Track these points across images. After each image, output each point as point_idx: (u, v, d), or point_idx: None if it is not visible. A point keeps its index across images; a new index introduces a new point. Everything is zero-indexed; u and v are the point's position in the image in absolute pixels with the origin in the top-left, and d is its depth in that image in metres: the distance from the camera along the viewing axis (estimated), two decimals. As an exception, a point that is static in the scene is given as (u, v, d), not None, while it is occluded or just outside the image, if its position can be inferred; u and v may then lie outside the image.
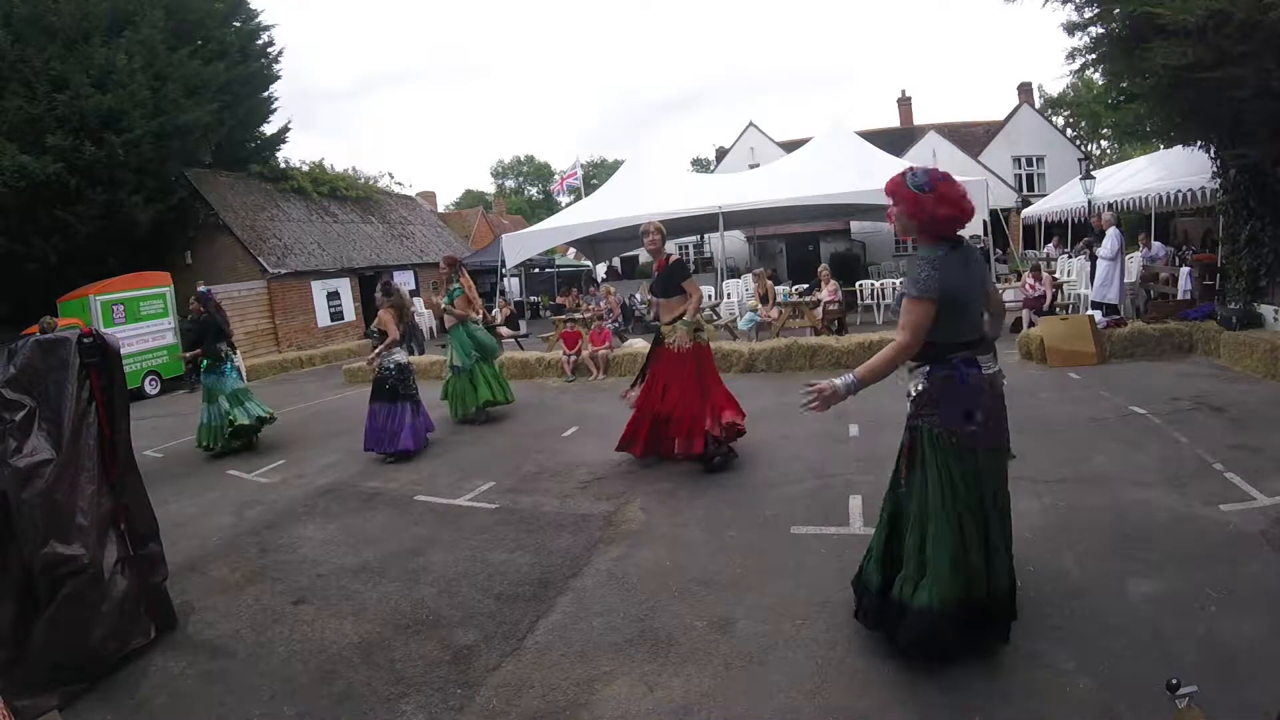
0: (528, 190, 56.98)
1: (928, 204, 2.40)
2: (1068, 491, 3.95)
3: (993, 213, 13.05)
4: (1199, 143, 8.01)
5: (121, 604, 3.10)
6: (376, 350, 6.20)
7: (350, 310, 18.38)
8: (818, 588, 3.16)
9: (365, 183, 22.54)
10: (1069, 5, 7.38)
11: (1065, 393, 6.31)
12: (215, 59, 16.81)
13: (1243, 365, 6.50)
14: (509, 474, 5.42)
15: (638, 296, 14.32)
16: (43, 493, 2.93)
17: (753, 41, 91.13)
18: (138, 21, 14.71)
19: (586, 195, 18.15)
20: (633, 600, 3.24)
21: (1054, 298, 10.21)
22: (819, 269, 11.80)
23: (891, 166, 12.78)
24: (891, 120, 26.55)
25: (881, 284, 13.45)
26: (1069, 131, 28.31)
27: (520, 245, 14.37)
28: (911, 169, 2.54)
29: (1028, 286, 10.21)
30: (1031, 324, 9.11)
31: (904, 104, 26.41)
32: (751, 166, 21.29)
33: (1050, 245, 16.59)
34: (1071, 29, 7.47)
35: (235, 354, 7.90)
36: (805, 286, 13.55)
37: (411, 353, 9.71)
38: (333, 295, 18.15)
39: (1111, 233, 8.64)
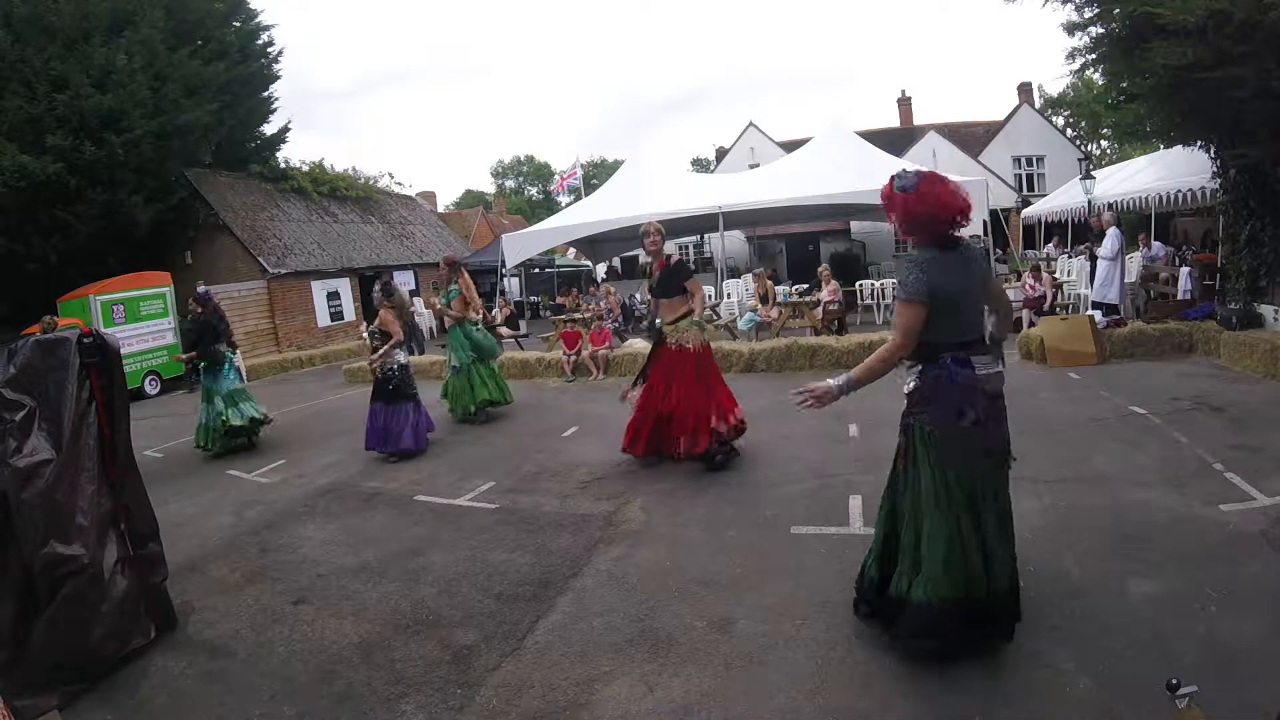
0: (528, 190, 56.98)
1: (910, 203, 2.43)
2: (1068, 491, 3.95)
3: (993, 213, 13.04)
4: (1199, 143, 8.01)
5: (121, 604, 3.10)
6: (381, 351, 6.17)
7: (350, 310, 18.38)
8: (818, 588, 3.16)
9: (365, 183, 22.55)
10: (1069, 5, 7.39)
11: (1065, 393, 6.31)
12: (215, 59, 16.81)
13: (1243, 365, 6.50)
14: (509, 474, 5.42)
15: (638, 296, 14.31)
16: (43, 493, 2.93)
17: (753, 41, 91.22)
18: (138, 21, 14.72)
19: (586, 195, 18.15)
20: (633, 600, 3.24)
21: (1054, 298, 10.21)
22: (819, 269, 11.80)
23: (891, 166, 12.77)
24: (891, 120, 26.57)
25: (881, 284, 13.45)
26: (1069, 131, 28.31)
27: (520, 245, 14.37)
28: (902, 171, 2.55)
29: (1028, 287, 10.21)
30: (1031, 324, 9.11)
31: (904, 104, 26.41)
32: (751, 166, 21.29)
33: (1050, 245, 16.58)
34: (1071, 29, 7.48)
35: (235, 354, 7.90)
36: (805, 286, 13.56)
37: (411, 353, 9.72)
38: (333, 295, 18.15)
39: (1112, 233, 8.64)
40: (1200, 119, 7.28)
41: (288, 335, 16.69)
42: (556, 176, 29.63)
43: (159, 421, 9.65)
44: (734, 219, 13.87)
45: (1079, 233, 14.66)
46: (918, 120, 25.92)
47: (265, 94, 19.87)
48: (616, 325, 11.83)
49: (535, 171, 57.21)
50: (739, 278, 14.81)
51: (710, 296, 12.39)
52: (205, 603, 3.68)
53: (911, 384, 2.55)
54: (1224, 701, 2.02)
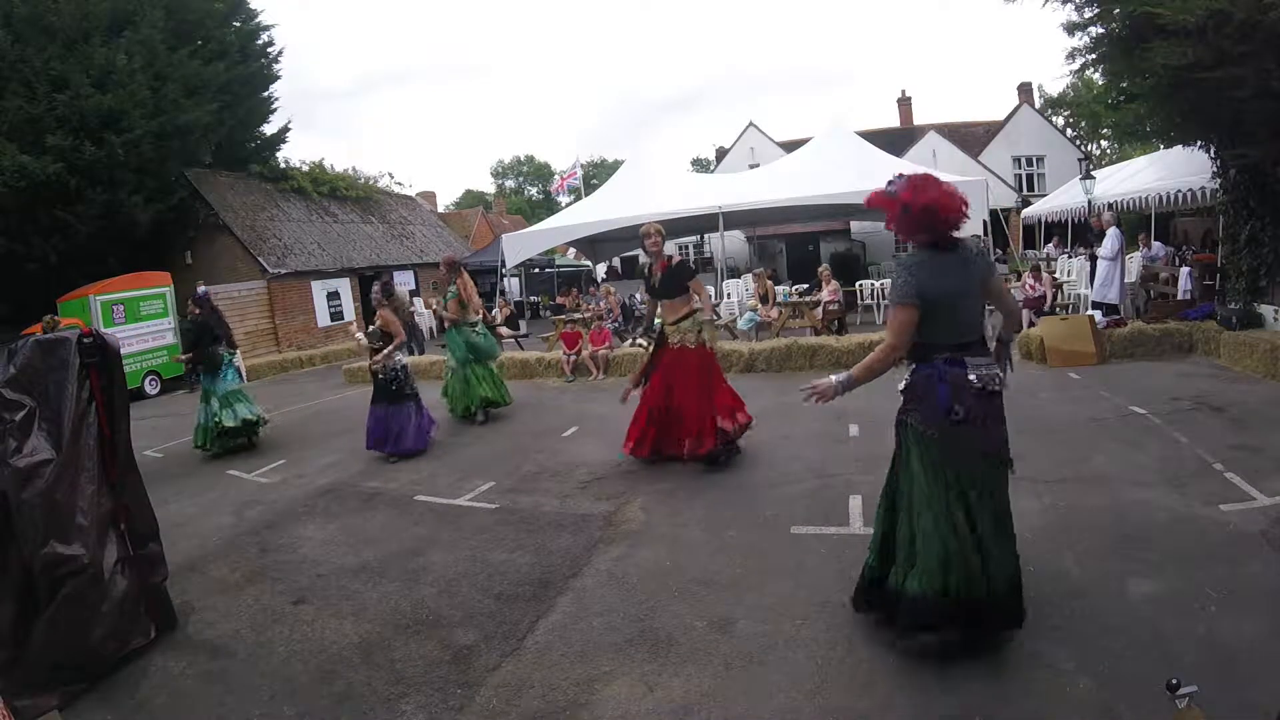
0: (528, 190, 56.97)
1: (892, 205, 2.50)
2: (1068, 491, 3.95)
3: (993, 213, 13.06)
4: (1199, 143, 8.01)
5: (121, 604, 3.10)
6: (385, 352, 6.13)
7: (350, 310, 18.37)
8: (818, 588, 3.16)
9: (365, 183, 22.54)
10: (1069, 5, 7.39)
11: (1065, 393, 6.31)
12: (215, 59, 16.81)
13: (1243, 365, 6.50)
14: (509, 474, 5.42)
15: (637, 297, 14.31)
16: (43, 493, 2.93)
17: (753, 41, 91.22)
18: (138, 21, 14.72)
19: (586, 195, 18.15)
20: (633, 600, 3.24)
21: (1054, 298, 10.21)
22: (820, 269, 11.80)
23: (891, 166, 12.78)
24: (891, 120, 26.59)
25: (882, 284, 13.44)
26: (1069, 131, 28.32)
27: (520, 245, 14.37)
28: (894, 176, 2.57)
29: (1028, 287, 10.21)
30: (1031, 324, 9.11)
31: (904, 104, 26.43)
32: (751, 166, 21.30)
33: (1050, 245, 16.58)
34: (1071, 29, 7.48)
35: (235, 354, 7.89)
36: (805, 286, 13.56)
37: (411, 353, 9.73)
38: (333, 295, 18.15)
39: (1112, 233, 8.64)
40: (1200, 119, 7.28)
41: (288, 335, 16.69)
42: (556, 176, 29.61)
43: (159, 421, 9.65)
44: (734, 219, 13.87)
45: (1079, 233, 14.66)
46: (918, 120, 25.94)
47: (265, 94, 19.87)
48: (616, 325, 11.82)
49: (535, 171, 57.20)
50: (739, 278, 14.81)
51: (710, 296, 12.39)
52: (205, 603, 3.68)
53: (904, 382, 2.62)
54: (1224, 701, 2.02)
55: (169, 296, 13.41)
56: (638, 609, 3.16)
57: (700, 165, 43.33)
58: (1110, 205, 11.62)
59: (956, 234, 2.62)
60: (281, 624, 3.37)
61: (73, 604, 2.93)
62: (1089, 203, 11.74)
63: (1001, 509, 2.55)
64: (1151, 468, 4.21)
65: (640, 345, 5.63)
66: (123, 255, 14.51)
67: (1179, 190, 9.99)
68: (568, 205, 20.49)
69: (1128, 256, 9.63)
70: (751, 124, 26.02)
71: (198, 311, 7.26)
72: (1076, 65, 7.83)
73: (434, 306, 7.57)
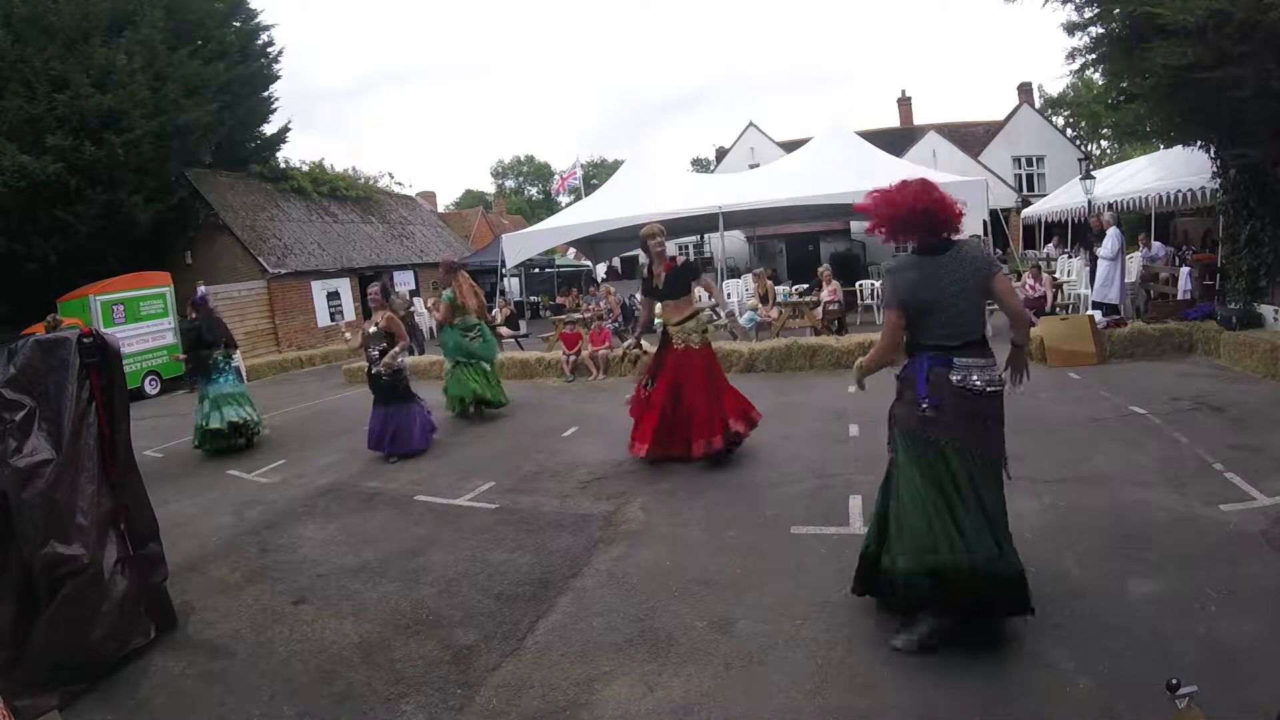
0: (528, 190, 56.96)
1: (876, 209, 2.65)
2: (1068, 491, 3.95)
3: (993, 213, 13.05)
4: (1199, 143, 8.01)
5: (121, 604, 3.10)
6: (394, 352, 6.15)
7: (350, 310, 18.37)
8: (818, 588, 3.16)
9: (365, 183, 22.54)
10: (1069, 5, 7.39)
11: (1065, 393, 6.31)
12: (215, 59, 16.80)
13: (1243, 365, 6.50)
14: (509, 474, 5.42)
15: (637, 297, 14.32)
16: (43, 493, 2.93)
17: (753, 41, 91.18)
18: (138, 21, 14.71)
19: (586, 195, 18.15)
20: (633, 600, 3.24)
21: (1054, 298, 10.21)
22: (820, 269, 11.80)
23: (891, 166, 12.79)
24: (891, 120, 26.58)
25: (881, 284, 13.42)
26: (1069, 131, 28.32)
27: (520, 245, 14.37)
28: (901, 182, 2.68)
29: (1028, 287, 10.21)
30: (1031, 324, 9.11)
31: (904, 104, 26.42)
32: (751, 166, 21.29)
33: (1050, 245, 16.59)
34: (1071, 29, 7.48)
35: (235, 355, 7.88)
36: (805, 286, 13.55)
37: (411, 353, 9.74)
38: (333, 295, 18.15)
39: (1112, 232, 8.65)
40: (1200, 119, 7.28)
41: (288, 335, 16.69)
42: (556, 176, 29.61)
43: (159, 421, 9.65)
44: (734, 219, 13.86)
45: (1079, 233, 14.65)
46: (918, 120, 25.93)
47: (265, 94, 19.87)
48: (616, 325, 11.82)
49: (535, 171, 57.19)
50: (739, 278, 14.81)
51: (710, 296, 12.40)
52: (205, 603, 3.68)
53: (895, 374, 2.77)
54: (1224, 701, 2.02)
55: (169, 296, 13.40)
56: (638, 609, 3.16)
57: (700, 165, 43.33)
58: (1110, 205, 11.62)
59: (953, 235, 2.65)
60: (281, 624, 3.37)
61: (73, 604, 2.93)
62: (1089, 203, 11.73)
63: (987, 500, 2.56)
64: (1151, 468, 4.21)
65: (639, 351, 5.61)
66: (123, 255, 14.51)
67: (1179, 190, 10.00)
68: (568, 205, 20.49)
69: (1128, 256, 9.63)
70: (751, 124, 26.01)
71: (194, 315, 7.26)
72: (1076, 65, 7.85)
73: (429, 306, 7.63)
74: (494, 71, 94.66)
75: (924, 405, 2.57)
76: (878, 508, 2.82)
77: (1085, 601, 2.79)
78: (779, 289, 12.64)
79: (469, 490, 5.11)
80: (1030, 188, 22.94)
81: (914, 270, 2.61)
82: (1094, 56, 7.60)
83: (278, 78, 19.95)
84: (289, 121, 31.75)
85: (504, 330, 11.93)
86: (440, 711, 2.58)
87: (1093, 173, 12.83)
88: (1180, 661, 2.32)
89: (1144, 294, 10.63)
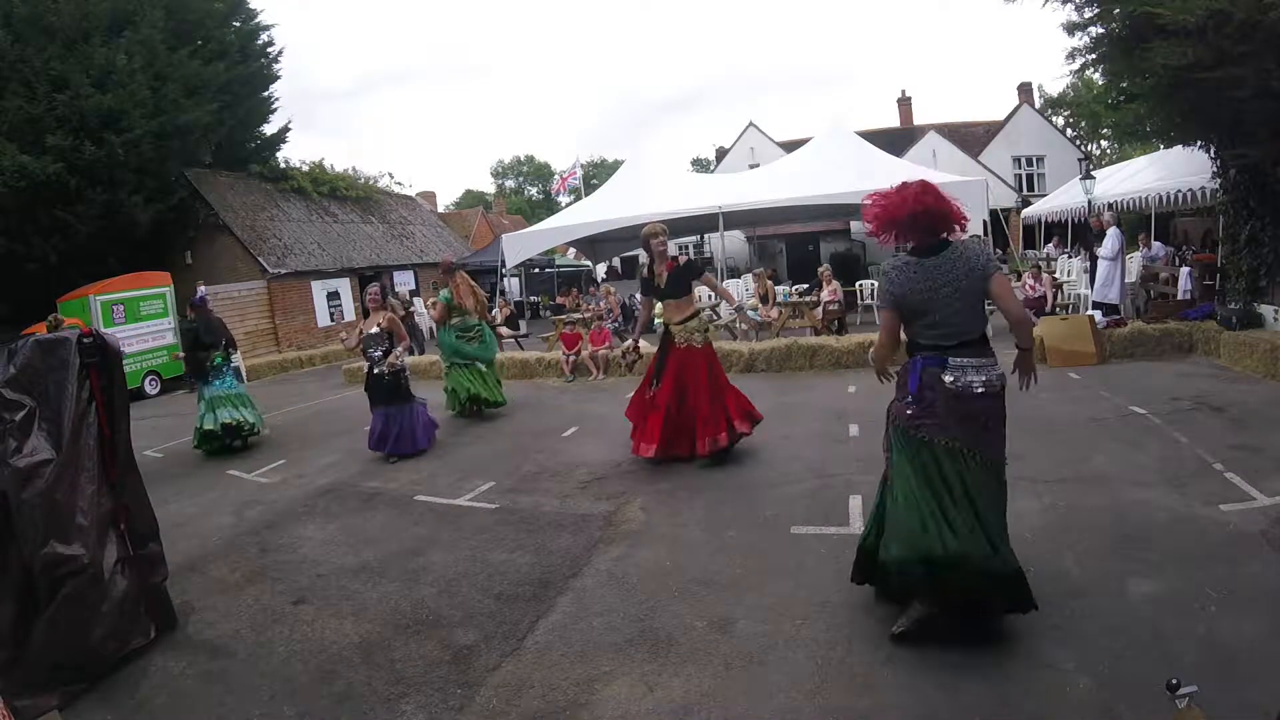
0: (528, 190, 56.96)
1: (871, 213, 2.73)
2: (1068, 491, 3.95)
3: (993, 213, 13.04)
4: (1199, 143, 8.01)
5: (121, 604, 3.10)
6: (398, 352, 6.21)
7: (350, 310, 18.38)
8: (818, 588, 3.16)
9: (365, 183, 22.55)
10: (1069, 5, 7.40)
11: (1065, 393, 6.31)
12: (215, 59, 16.81)
13: (1243, 365, 6.51)
14: (509, 474, 5.42)
15: (637, 297, 14.32)
16: (43, 493, 2.93)
17: (753, 41, 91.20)
18: (138, 21, 14.72)
19: (586, 195, 18.15)
20: (633, 600, 3.24)
21: (1054, 298, 10.21)
22: (820, 269, 11.80)
23: (891, 166, 12.79)
24: (891, 120, 26.59)
25: (877, 284, 13.42)
26: (1069, 131, 28.33)
27: (520, 245, 14.37)
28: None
29: (1028, 287, 10.21)
30: (1031, 324, 9.11)
31: (904, 104, 26.43)
32: (751, 166, 21.29)
33: (1050, 245, 16.59)
34: (1071, 29, 7.48)
35: (235, 355, 7.88)
36: (805, 286, 13.55)
37: (411, 353, 9.76)
38: (333, 295, 18.16)
39: (1112, 232, 8.65)
40: (1200, 119, 7.28)
41: (288, 335, 16.69)
42: (556, 176, 29.62)
43: (159, 421, 9.65)
44: (734, 219, 13.86)
45: (1079, 233, 14.65)
46: (918, 120, 25.94)
47: (265, 94, 19.88)
48: (616, 325, 11.82)
49: (535, 171, 57.19)
50: (739, 278, 14.81)
51: (710, 296, 12.41)
52: (205, 603, 3.68)
53: (895, 372, 2.84)
54: (1224, 701, 2.02)
55: (169, 296, 13.40)
56: (638, 609, 3.16)
57: (700, 165, 43.33)
58: (1110, 205, 11.62)
59: (952, 235, 2.65)
60: (281, 624, 3.37)
61: (73, 604, 2.93)
62: (1089, 203, 11.74)
63: (981, 500, 2.57)
64: (1151, 468, 4.21)
65: (636, 356, 5.62)
66: (123, 255, 14.51)
67: (1179, 190, 10.00)
68: (568, 205, 20.49)
69: (1128, 256, 9.63)
70: (751, 124, 26.02)
71: (191, 315, 7.26)
72: (1076, 65, 7.85)
73: (429, 306, 7.71)
74: (494, 71, 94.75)
75: (910, 404, 2.64)
76: (876, 500, 2.88)
77: (1085, 601, 2.79)
78: (779, 289, 12.64)
79: (469, 490, 5.11)
80: (1030, 188, 22.95)
81: (906, 271, 2.64)
82: (1094, 56, 7.60)
83: (278, 78, 19.99)
84: (289, 121, 31.84)
85: (504, 330, 11.95)
86: (440, 711, 2.58)
87: (1093, 173, 12.83)
88: (1180, 661, 2.32)
89: (1144, 294, 10.63)
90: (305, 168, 20.63)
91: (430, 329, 17.12)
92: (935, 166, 17.99)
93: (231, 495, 5.67)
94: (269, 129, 20.76)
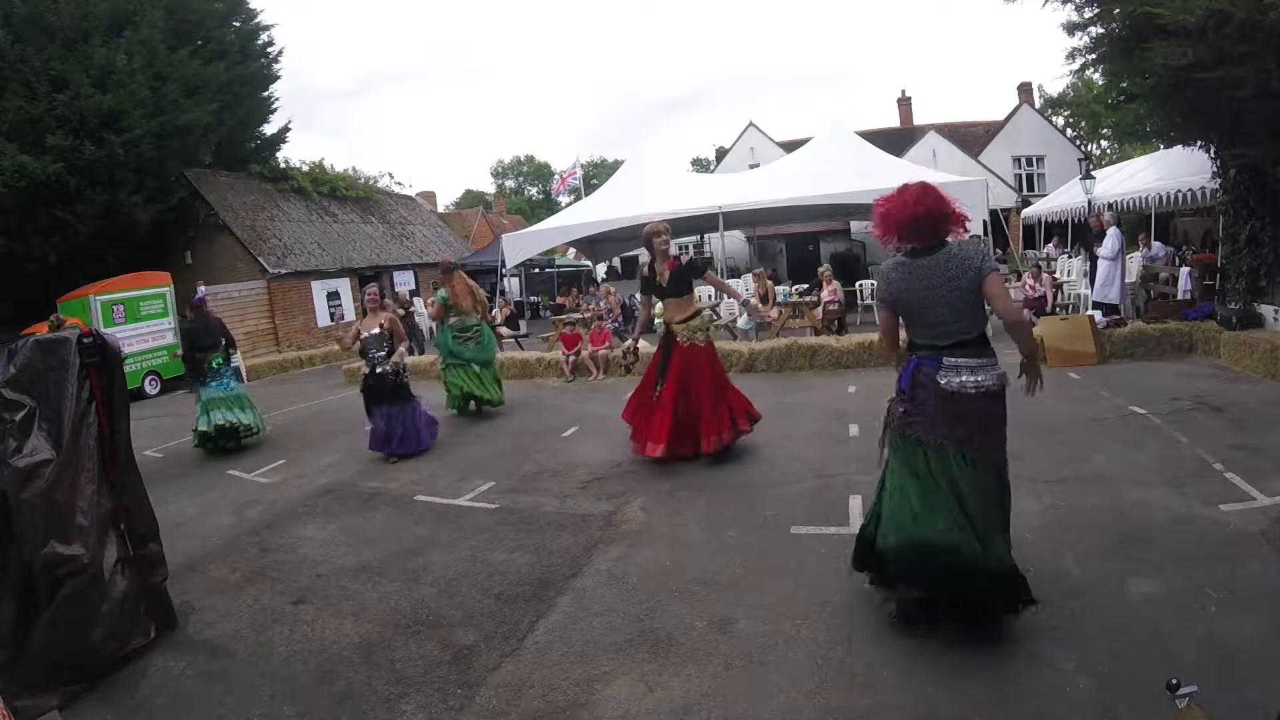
0: (528, 190, 56.97)
1: (875, 214, 2.77)
2: (1068, 491, 3.95)
3: (993, 213, 13.05)
4: (1199, 143, 8.01)
5: (121, 604, 3.10)
6: (400, 351, 6.27)
7: (350, 310, 18.39)
8: (818, 588, 3.16)
9: (365, 183, 22.56)
10: (1069, 5, 7.39)
11: (1065, 393, 6.30)
12: (215, 59, 16.82)
13: (1243, 365, 6.50)
14: (509, 474, 5.42)
15: (637, 296, 14.32)
16: (43, 493, 2.93)
17: (753, 41, 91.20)
18: (138, 21, 14.72)
19: (586, 195, 18.15)
20: (633, 600, 3.24)
21: (1054, 298, 10.21)
22: (821, 269, 11.79)
23: (891, 166, 12.80)
24: (891, 120, 26.59)
25: (875, 284, 13.42)
26: (1069, 131, 28.33)
27: (520, 245, 14.37)
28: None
29: (1028, 287, 10.21)
30: (1031, 324, 9.10)
31: (904, 104, 26.43)
32: (751, 166, 21.29)
33: (1050, 245, 16.58)
34: (1071, 29, 7.48)
35: (235, 355, 7.88)
36: (805, 286, 13.55)
37: (411, 353, 9.77)
38: (333, 295, 18.16)
39: (1112, 232, 8.64)
40: (1200, 119, 7.27)
41: (288, 335, 16.70)
42: (556, 176, 29.61)
43: (159, 421, 9.65)
44: (734, 219, 13.87)
45: (1079, 233, 14.66)
46: (918, 120, 25.94)
47: (265, 94, 19.89)
48: (616, 325, 11.82)
49: (535, 171, 57.19)
50: (739, 278, 14.80)
51: (710, 296, 12.41)
52: (205, 603, 3.68)
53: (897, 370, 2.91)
54: (1224, 701, 2.01)
55: (169, 296, 13.40)
56: (638, 609, 3.16)
57: (700, 165, 43.33)
58: (1110, 205, 11.62)
59: (951, 236, 2.66)
60: (281, 624, 3.37)
61: (73, 604, 2.93)
62: (1089, 203, 11.73)
63: (972, 501, 2.57)
64: (1151, 468, 4.20)
65: (634, 358, 5.63)
66: (123, 255, 14.51)
67: (1179, 190, 9.99)
68: (568, 205, 20.49)
69: (1128, 256, 9.63)
70: (751, 124, 26.02)
71: (189, 315, 7.26)
72: (1076, 65, 7.84)
73: (429, 305, 7.77)
74: (494, 71, 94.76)
75: (901, 402, 2.72)
76: (877, 490, 2.92)
77: (1085, 601, 2.79)
78: (779, 289, 12.63)
79: (469, 490, 5.11)
80: (1030, 188, 22.94)
81: (900, 271, 2.70)
82: (1094, 56, 7.59)
83: (278, 78, 20.00)
84: (289, 121, 31.85)
85: (504, 330, 11.95)
86: (440, 711, 2.58)
87: (1093, 173, 12.83)
88: (1180, 661, 2.32)
89: (1144, 294, 10.62)
90: (305, 168, 20.64)
91: (430, 329, 17.14)
92: (935, 166, 17.99)
93: (231, 495, 5.67)
94: (269, 129, 20.81)
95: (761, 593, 3.18)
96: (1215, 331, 7.25)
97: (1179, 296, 9.36)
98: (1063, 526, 3.50)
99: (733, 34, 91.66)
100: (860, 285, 13.79)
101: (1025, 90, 24.40)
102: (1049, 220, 16.54)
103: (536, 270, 22.98)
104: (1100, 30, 7.26)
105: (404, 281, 20.23)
